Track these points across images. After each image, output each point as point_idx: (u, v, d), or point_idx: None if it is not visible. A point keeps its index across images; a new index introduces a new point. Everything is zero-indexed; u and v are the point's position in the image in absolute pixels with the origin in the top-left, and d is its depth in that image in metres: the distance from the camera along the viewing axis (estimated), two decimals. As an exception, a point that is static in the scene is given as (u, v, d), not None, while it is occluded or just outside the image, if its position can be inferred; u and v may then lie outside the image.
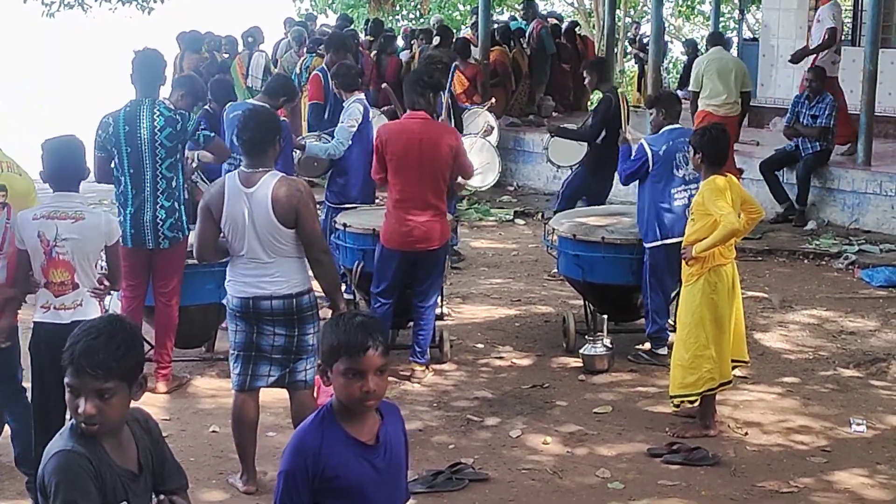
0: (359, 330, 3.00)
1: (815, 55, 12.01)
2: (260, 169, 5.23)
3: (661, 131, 7.23)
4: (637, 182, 7.33)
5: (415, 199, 6.72)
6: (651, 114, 7.63)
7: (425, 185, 6.72)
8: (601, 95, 9.22)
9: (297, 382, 5.37)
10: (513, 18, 19.42)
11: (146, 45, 6.89)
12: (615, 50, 19.77)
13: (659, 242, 7.04)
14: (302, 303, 5.28)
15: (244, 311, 5.28)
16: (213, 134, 6.92)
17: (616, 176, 7.95)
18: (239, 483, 5.49)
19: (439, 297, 8.06)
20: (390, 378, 6.93)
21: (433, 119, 6.93)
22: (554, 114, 15.37)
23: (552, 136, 9.62)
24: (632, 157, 7.30)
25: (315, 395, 5.49)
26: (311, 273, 5.38)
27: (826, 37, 11.93)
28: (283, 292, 5.23)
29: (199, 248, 5.43)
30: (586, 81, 9.48)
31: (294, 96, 8.19)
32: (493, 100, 11.13)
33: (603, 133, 8.98)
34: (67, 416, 4.38)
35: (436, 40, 14.09)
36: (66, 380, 2.86)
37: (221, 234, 5.32)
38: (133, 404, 2.99)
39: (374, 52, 14.53)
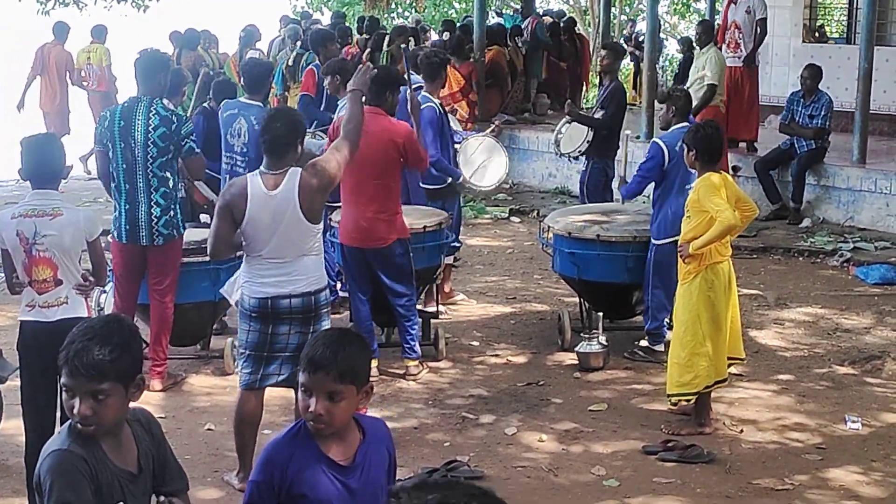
0: (328, 347, 2.90)
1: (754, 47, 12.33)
2: (281, 170, 5.21)
3: (671, 129, 7.19)
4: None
5: (361, 195, 6.71)
6: (660, 110, 7.61)
7: (370, 182, 6.68)
8: (609, 84, 9.22)
9: None
10: (499, 14, 19.38)
11: (150, 47, 6.91)
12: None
13: (669, 239, 6.95)
14: (320, 300, 5.32)
15: (261, 311, 5.27)
16: (198, 151, 6.81)
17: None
18: (234, 481, 5.49)
19: (438, 296, 8.10)
20: (385, 376, 7.01)
21: (389, 116, 6.89)
22: (549, 111, 15.36)
23: (570, 122, 9.45)
24: (646, 157, 7.21)
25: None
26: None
27: (759, 29, 12.25)
28: (303, 290, 5.25)
29: (213, 246, 5.34)
30: (604, 62, 9.50)
31: (269, 72, 8.27)
32: (495, 125, 10.73)
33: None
34: (58, 414, 4.37)
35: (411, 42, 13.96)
36: (61, 380, 2.85)
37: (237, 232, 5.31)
38: (131, 403, 2.98)
39: (369, 49, 14.48)
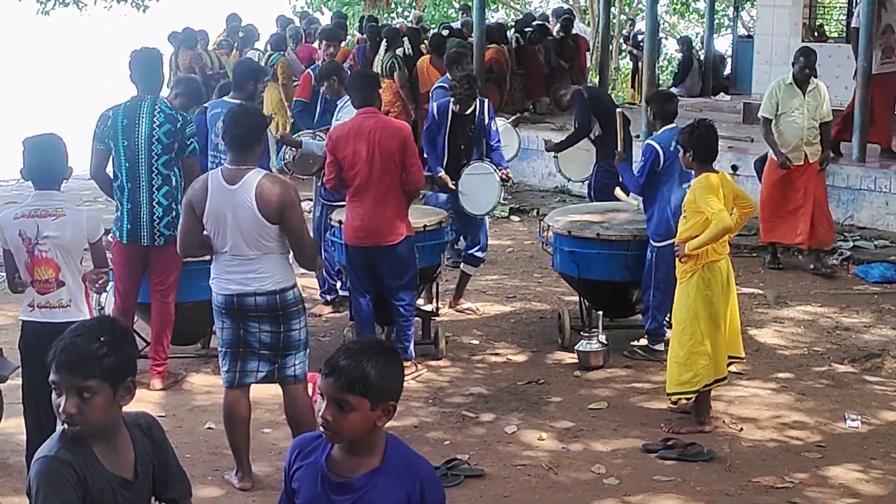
0: (346, 354, 2.77)
1: None
2: (244, 166, 5.23)
3: (661, 130, 7.19)
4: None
5: (366, 194, 6.70)
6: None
7: (374, 180, 6.68)
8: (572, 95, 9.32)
9: (286, 378, 5.40)
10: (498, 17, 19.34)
11: (143, 45, 6.91)
12: (610, 47, 19.76)
13: (668, 241, 6.86)
14: (286, 298, 5.29)
15: (229, 308, 5.30)
16: (198, 153, 6.79)
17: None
18: (234, 479, 5.50)
19: (435, 298, 8.11)
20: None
21: (384, 115, 6.90)
22: (549, 111, 15.35)
23: (555, 156, 9.40)
24: (641, 160, 7.19)
25: (308, 390, 5.50)
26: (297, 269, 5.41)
27: None
28: (268, 288, 5.24)
29: (182, 243, 5.46)
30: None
31: (260, 75, 8.22)
32: (519, 114, 10.71)
33: (597, 124, 8.94)
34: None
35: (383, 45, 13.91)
36: (50, 378, 2.82)
37: (205, 230, 5.33)
38: (131, 404, 2.96)
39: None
